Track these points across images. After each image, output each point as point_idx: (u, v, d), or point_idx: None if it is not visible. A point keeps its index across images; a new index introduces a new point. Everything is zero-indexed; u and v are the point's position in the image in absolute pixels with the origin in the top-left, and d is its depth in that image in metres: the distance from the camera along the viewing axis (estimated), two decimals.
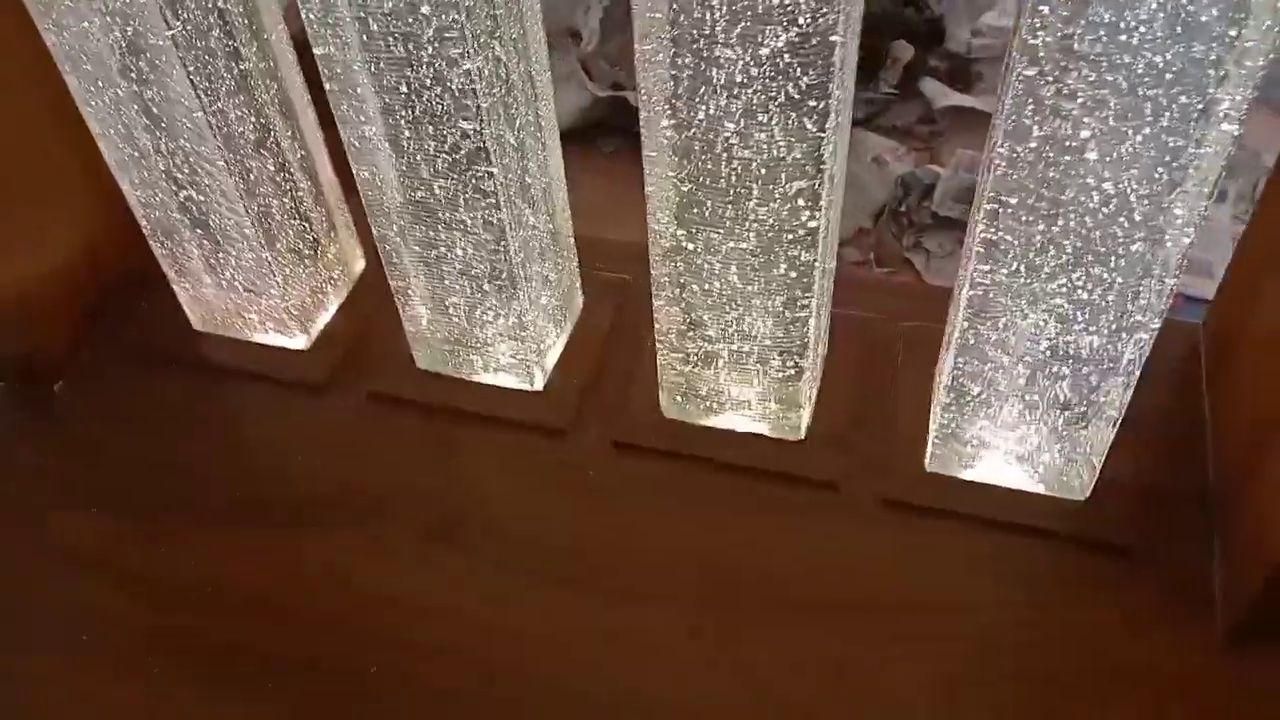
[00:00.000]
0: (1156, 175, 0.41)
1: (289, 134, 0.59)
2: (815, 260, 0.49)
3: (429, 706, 0.50)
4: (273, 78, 0.57)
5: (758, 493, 0.57)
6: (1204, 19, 0.37)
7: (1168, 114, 0.39)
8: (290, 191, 0.61)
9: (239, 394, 0.63)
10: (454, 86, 0.48)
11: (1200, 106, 0.39)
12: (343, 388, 0.63)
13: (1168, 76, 0.39)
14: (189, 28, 0.51)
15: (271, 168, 0.59)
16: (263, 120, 0.57)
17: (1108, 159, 0.41)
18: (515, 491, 0.58)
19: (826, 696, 0.50)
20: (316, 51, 0.49)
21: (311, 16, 0.48)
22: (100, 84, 0.54)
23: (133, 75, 0.53)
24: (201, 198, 0.58)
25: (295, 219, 0.62)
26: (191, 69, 0.52)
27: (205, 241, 0.61)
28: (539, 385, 0.61)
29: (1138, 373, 0.52)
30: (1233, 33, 0.37)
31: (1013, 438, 0.54)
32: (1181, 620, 0.51)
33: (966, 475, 0.56)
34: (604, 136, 1.85)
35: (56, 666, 0.52)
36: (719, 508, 0.57)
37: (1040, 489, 0.55)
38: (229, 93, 0.55)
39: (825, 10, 0.41)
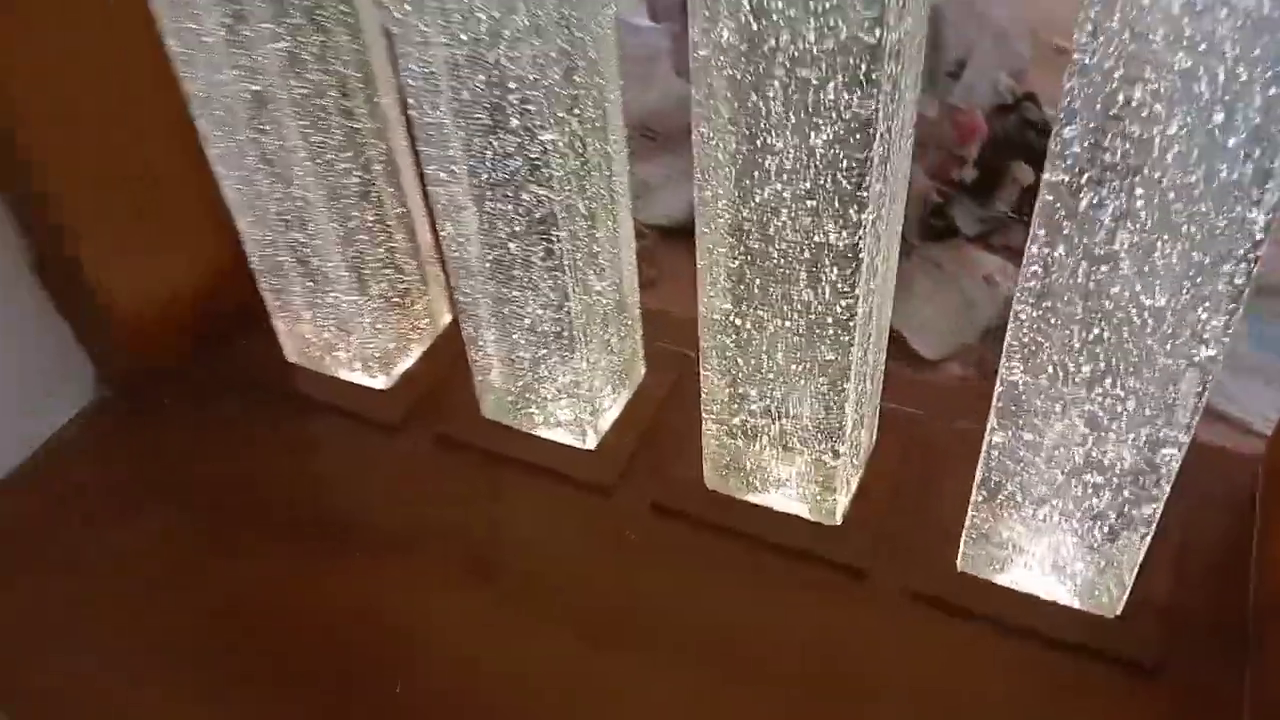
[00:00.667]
0: (1185, 288, 0.42)
1: (391, 190, 0.65)
2: (853, 344, 0.51)
3: None
4: (380, 137, 0.63)
5: (786, 571, 0.58)
6: (1231, 143, 0.38)
7: (1199, 229, 0.40)
8: (385, 243, 0.66)
9: (319, 424, 0.68)
10: (531, 155, 0.52)
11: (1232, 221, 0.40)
12: (413, 428, 0.67)
13: (1196, 193, 0.40)
14: (308, 87, 0.57)
15: (371, 219, 0.64)
16: (367, 175, 0.63)
17: (1140, 270, 0.42)
18: (554, 541, 0.61)
19: None
20: (413, 115, 0.54)
21: (411, 83, 0.53)
22: (227, 129, 0.60)
23: (256, 124, 0.59)
24: (305, 240, 0.64)
25: (389, 269, 0.67)
26: (306, 124, 0.58)
27: (306, 281, 0.66)
28: (591, 444, 0.64)
29: (1168, 488, 0.51)
30: (1258, 153, 0.38)
31: (1045, 545, 0.54)
32: None
33: (998, 579, 0.56)
34: None
35: (115, 639, 0.57)
36: (745, 580, 0.58)
37: (1071, 600, 0.55)
38: (338, 147, 0.60)
39: (867, 110, 0.43)
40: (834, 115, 0.43)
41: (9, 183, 0.61)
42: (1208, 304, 0.42)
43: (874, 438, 0.63)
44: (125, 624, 0.58)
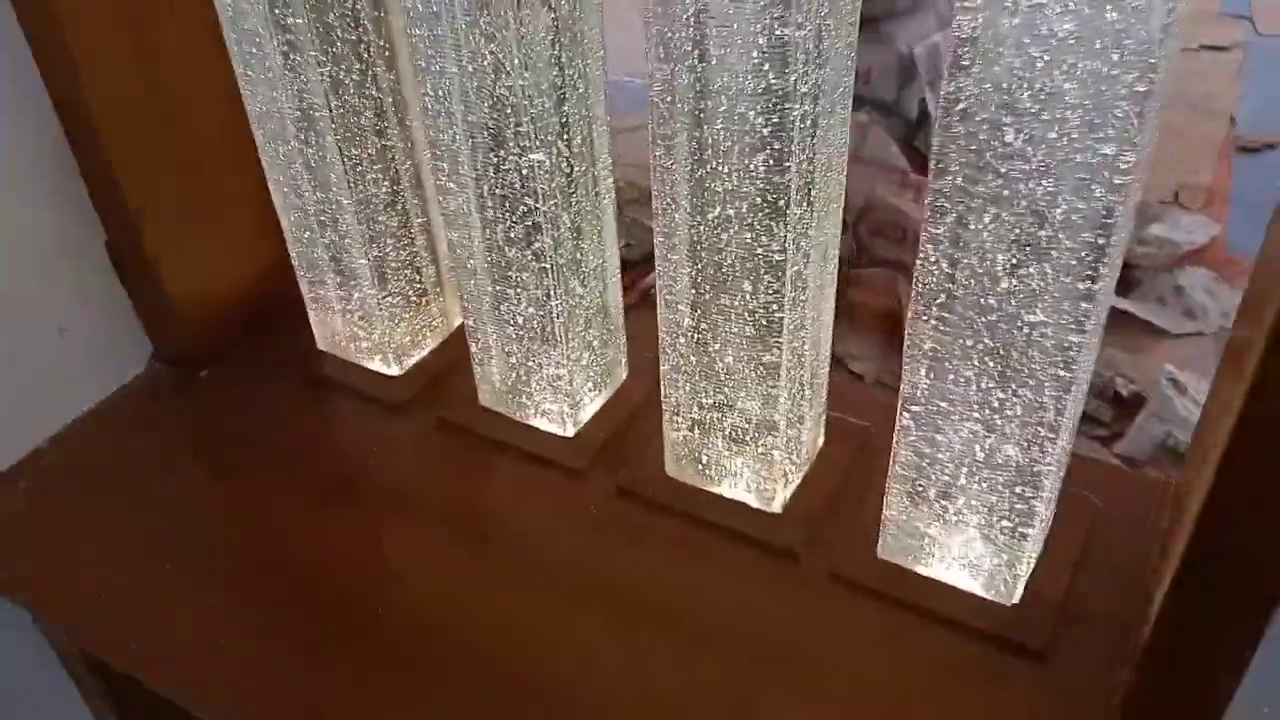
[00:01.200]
0: (1063, 307, 0.49)
1: (415, 200, 0.75)
2: (782, 347, 0.59)
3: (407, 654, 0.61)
4: (408, 155, 0.73)
5: (728, 551, 0.65)
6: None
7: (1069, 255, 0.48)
8: (408, 247, 0.76)
9: (338, 403, 0.78)
10: (523, 171, 0.62)
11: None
12: (418, 411, 0.76)
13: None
14: (347, 108, 0.68)
15: (395, 225, 0.74)
16: (395, 186, 0.73)
17: (1017, 287, 0.50)
18: (529, 513, 0.69)
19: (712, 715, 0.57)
20: (429, 133, 0.64)
21: (428, 105, 0.63)
22: (278, 140, 0.71)
23: (301, 138, 0.69)
24: (337, 240, 0.74)
25: (409, 270, 0.77)
26: (343, 139, 0.68)
27: (337, 278, 0.76)
28: (570, 432, 0.72)
29: (1050, 488, 0.58)
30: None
31: (952, 537, 0.61)
32: None
33: (913, 566, 0.63)
34: None
35: (147, 562, 0.66)
36: (692, 557, 0.65)
37: (974, 588, 0.61)
38: (370, 160, 0.70)
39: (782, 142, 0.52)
40: (761, 145, 0.52)
41: (89, 167, 0.72)
42: (1066, 316, 0.49)
43: (819, 441, 0.70)
44: (156, 551, 0.68)
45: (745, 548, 0.65)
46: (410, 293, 0.78)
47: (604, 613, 0.63)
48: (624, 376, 0.76)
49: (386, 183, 0.73)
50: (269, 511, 0.70)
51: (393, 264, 0.75)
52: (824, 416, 0.69)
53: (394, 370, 0.79)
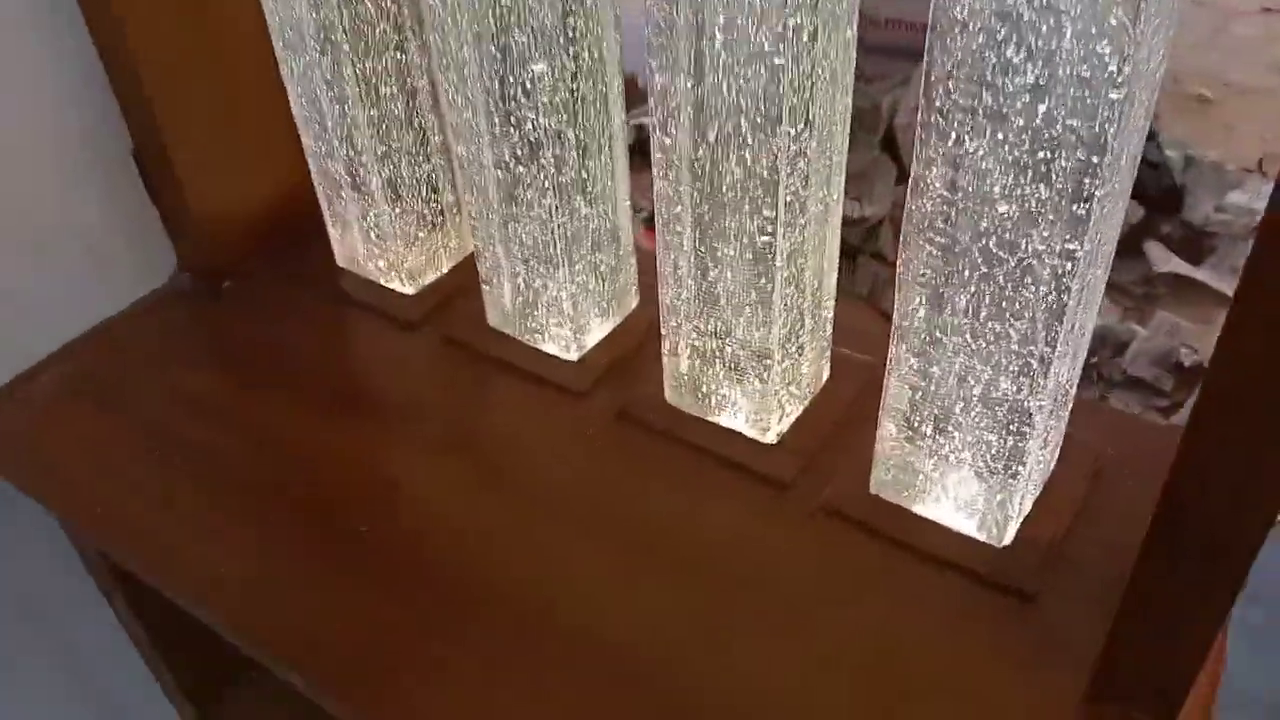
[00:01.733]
0: (1057, 231, 0.47)
1: (433, 119, 0.75)
2: (774, 277, 0.58)
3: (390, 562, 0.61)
4: (426, 72, 0.72)
5: (719, 479, 0.65)
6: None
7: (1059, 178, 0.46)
8: (423, 165, 0.76)
9: (351, 317, 0.79)
10: (525, 84, 0.61)
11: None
12: (427, 329, 0.77)
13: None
14: (364, 19, 0.68)
15: (411, 142, 0.74)
16: (413, 102, 0.73)
17: (1014, 212, 0.48)
18: (525, 430, 0.69)
19: (697, 651, 0.57)
20: (435, 44, 0.63)
21: (435, 14, 0.62)
22: (296, 53, 0.71)
23: (317, 48, 0.69)
24: (354, 157, 0.74)
25: (426, 189, 0.77)
26: (355, 50, 0.68)
27: (355, 194, 0.77)
28: (573, 356, 0.72)
29: (1053, 431, 0.56)
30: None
31: (945, 474, 0.59)
32: (1054, 667, 0.54)
33: (905, 503, 0.62)
34: None
35: (168, 485, 0.68)
36: (682, 483, 0.65)
37: (965, 528, 0.60)
38: (385, 74, 0.70)
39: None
40: (757, 56, 0.51)
41: (118, 77, 0.73)
42: (1059, 241, 0.47)
43: (824, 376, 0.69)
44: (169, 454, 0.70)
45: (738, 477, 0.65)
46: (427, 213, 0.78)
47: (592, 534, 0.63)
48: (635, 303, 0.76)
49: (403, 98, 0.72)
50: (279, 420, 0.71)
51: (408, 182, 0.76)
52: (828, 350, 0.68)
53: (408, 289, 0.79)
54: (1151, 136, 2.11)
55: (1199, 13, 2.61)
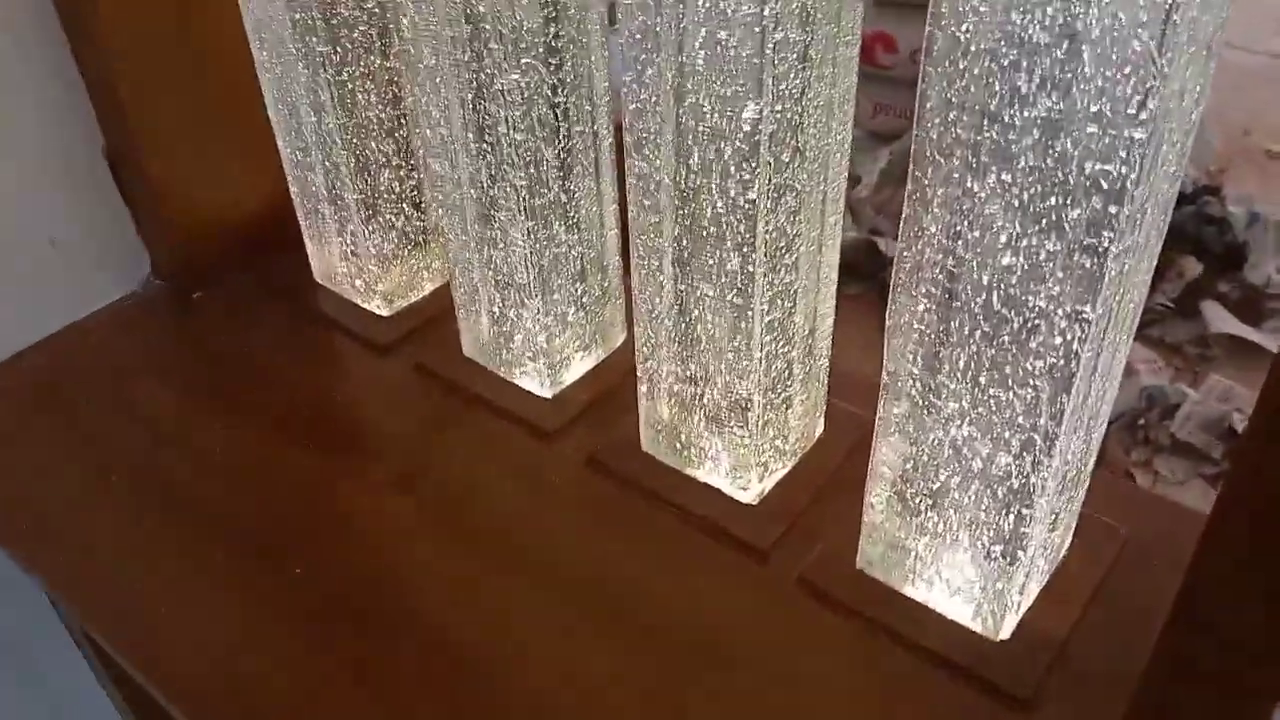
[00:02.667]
0: (1066, 289, 0.41)
1: (416, 130, 0.70)
2: (753, 317, 0.52)
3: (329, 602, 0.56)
4: (401, 82, 0.68)
5: (691, 539, 0.59)
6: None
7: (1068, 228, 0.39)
8: (405, 181, 0.71)
9: (323, 337, 0.74)
10: (498, 97, 0.56)
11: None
12: (400, 354, 0.72)
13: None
14: (341, 20, 0.63)
15: (392, 154, 0.70)
16: (394, 111, 0.68)
17: (1018, 268, 0.42)
18: (487, 474, 0.63)
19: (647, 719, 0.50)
20: (410, 55, 0.59)
21: (410, 18, 0.57)
22: (273, 54, 0.67)
23: (294, 51, 0.65)
24: (332, 169, 0.70)
25: (406, 206, 0.72)
26: (334, 54, 0.64)
27: (334, 209, 0.72)
28: (548, 393, 0.67)
29: (1063, 512, 0.50)
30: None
31: (937, 554, 0.52)
32: None
33: (892, 584, 0.55)
34: (853, 279, 1.89)
35: (100, 497, 0.64)
36: (649, 539, 0.59)
37: (958, 615, 0.53)
38: (364, 77, 0.66)
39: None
40: (738, 75, 0.45)
41: (92, 76, 0.69)
42: (1069, 299, 0.41)
43: (818, 431, 0.62)
44: (117, 464, 0.65)
45: (711, 539, 0.59)
46: (410, 231, 0.73)
47: (543, 591, 0.57)
48: (621, 339, 0.70)
49: (382, 106, 0.68)
50: (233, 444, 0.66)
51: (387, 197, 0.71)
52: (823, 403, 0.62)
53: (383, 310, 0.74)
54: (1215, 191, 2.01)
55: (1278, 67, 2.52)
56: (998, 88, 0.38)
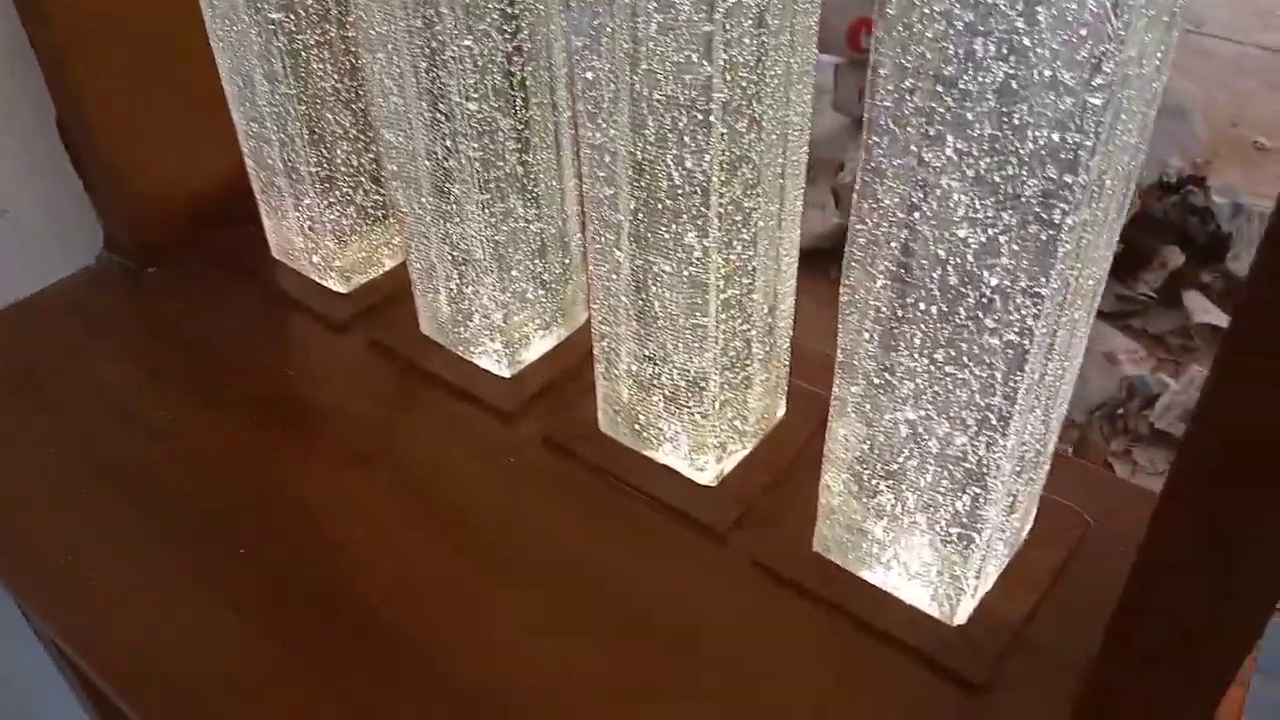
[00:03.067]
0: (1022, 264, 0.40)
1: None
2: (709, 295, 0.51)
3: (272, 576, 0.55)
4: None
5: (647, 520, 0.57)
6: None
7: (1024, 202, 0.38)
8: (362, 154, 0.69)
9: (281, 315, 0.72)
10: (451, 65, 0.54)
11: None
12: (356, 331, 0.70)
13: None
14: None
15: (349, 126, 0.68)
16: (350, 82, 0.67)
17: (974, 241, 0.40)
18: (441, 454, 0.62)
19: (601, 712, 0.49)
20: (363, 24, 0.57)
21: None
22: (226, 21, 0.65)
23: (247, 17, 0.63)
24: (288, 141, 0.68)
25: (364, 180, 0.70)
26: (288, 21, 0.62)
27: (290, 183, 0.70)
28: (506, 372, 0.65)
29: (1020, 495, 0.49)
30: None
31: (893, 537, 0.51)
32: None
33: (849, 566, 0.54)
34: (835, 263, 1.88)
35: (54, 467, 0.62)
36: (605, 519, 0.58)
37: (914, 599, 0.52)
38: (318, 43, 0.64)
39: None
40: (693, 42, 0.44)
41: (40, 41, 0.67)
42: (1024, 274, 0.40)
43: (779, 413, 0.61)
44: (68, 440, 0.64)
45: (668, 520, 0.57)
46: (367, 205, 0.72)
47: (496, 572, 0.56)
48: (584, 317, 0.69)
49: (339, 77, 0.66)
50: (185, 421, 0.65)
51: (344, 170, 0.69)
52: (784, 384, 0.60)
53: (341, 287, 0.73)
54: (1199, 181, 2.00)
55: (1266, 59, 2.51)
56: (952, 52, 0.37)
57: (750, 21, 0.44)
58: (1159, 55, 0.38)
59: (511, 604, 0.54)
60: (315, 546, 0.57)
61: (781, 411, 0.62)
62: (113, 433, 0.64)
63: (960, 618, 0.51)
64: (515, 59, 0.56)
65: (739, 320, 0.53)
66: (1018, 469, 0.47)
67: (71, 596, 0.55)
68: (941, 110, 0.38)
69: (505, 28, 0.54)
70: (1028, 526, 0.54)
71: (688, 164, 0.47)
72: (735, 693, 0.50)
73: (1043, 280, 0.39)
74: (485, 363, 0.66)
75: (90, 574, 0.56)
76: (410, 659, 0.51)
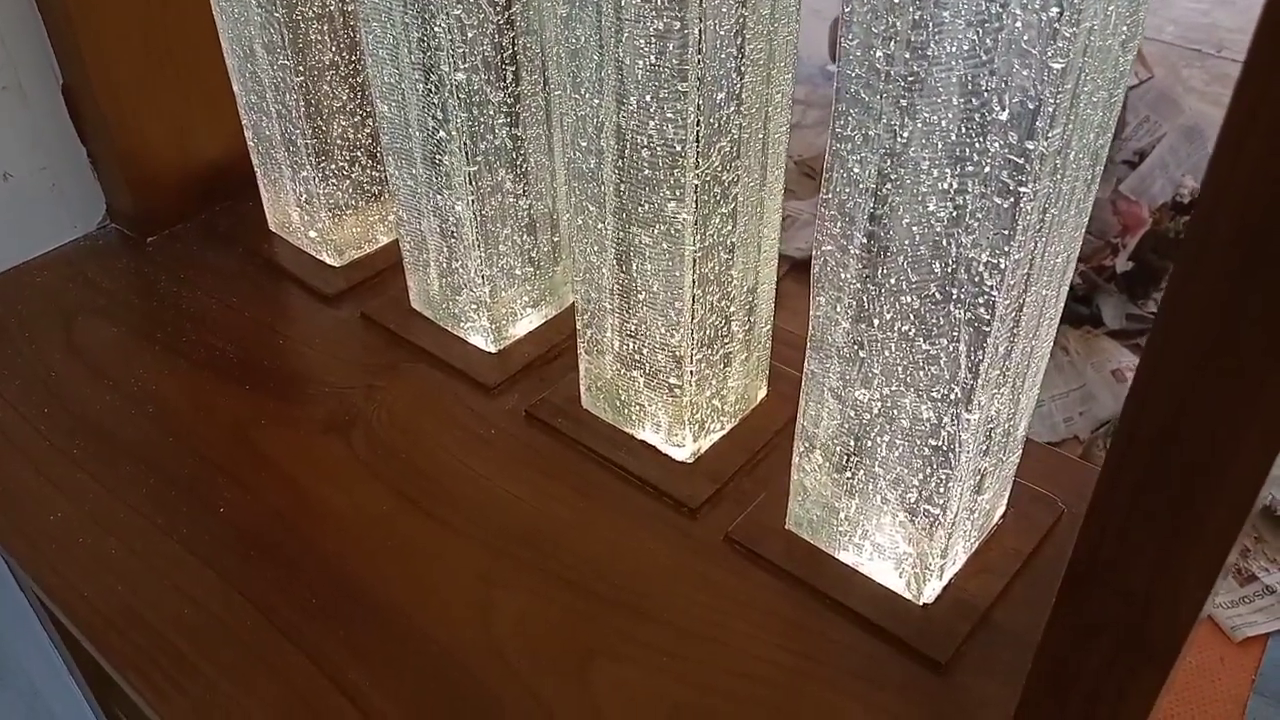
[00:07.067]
0: (988, 235, 0.40)
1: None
2: (685, 267, 0.51)
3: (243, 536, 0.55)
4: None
5: (622, 493, 0.58)
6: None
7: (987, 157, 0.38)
8: (359, 129, 0.70)
9: (274, 287, 0.73)
10: (441, 36, 0.55)
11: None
12: (347, 303, 0.71)
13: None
14: None
15: (346, 100, 0.69)
16: (349, 56, 0.67)
17: (943, 209, 0.40)
18: (420, 424, 0.62)
19: (562, 675, 0.49)
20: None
21: None
22: None
23: None
24: (285, 114, 0.69)
25: (361, 154, 0.71)
26: None
27: (288, 156, 0.71)
28: (493, 348, 0.66)
29: (988, 475, 0.49)
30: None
31: (863, 515, 0.51)
32: None
33: (820, 544, 0.54)
34: None
35: (39, 426, 0.63)
36: (580, 491, 0.58)
37: (883, 578, 0.52)
38: (317, 16, 0.65)
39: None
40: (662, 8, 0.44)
41: (46, 5, 0.68)
42: (988, 244, 0.40)
43: (761, 394, 0.61)
44: (53, 394, 0.65)
45: (642, 495, 0.58)
46: (364, 180, 0.73)
47: (465, 532, 0.56)
48: (572, 299, 0.69)
49: (338, 51, 0.67)
50: (170, 384, 0.66)
51: (340, 145, 0.70)
52: (765, 364, 0.61)
53: (335, 261, 0.73)
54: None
55: None
56: (920, 18, 0.37)
57: None
58: (1124, 30, 0.38)
59: (479, 568, 0.54)
60: (290, 508, 0.58)
61: (763, 393, 0.62)
62: (102, 394, 0.65)
63: (927, 597, 0.51)
64: (506, 31, 0.56)
65: (717, 296, 0.54)
66: (984, 447, 0.47)
67: (59, 553, 0.56)
68: (911, 78, 0.39)
69: (497, 0, 0.55)
70: (999, 510, 0.54)
71: (670, 133, 0.48)
72: (696, 661, 0.50)
73: (1005, 251, 0.39)
74: (474, 338, 0.67)
75: (76, 531, 0.57)
76: (377, 620, 0.52)
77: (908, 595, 0.51)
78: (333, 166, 0.70)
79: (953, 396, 0.44)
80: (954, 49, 0.37)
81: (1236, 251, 0.26)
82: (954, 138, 0.39)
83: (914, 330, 0.44)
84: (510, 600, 0.53)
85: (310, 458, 0.60)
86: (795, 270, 1.72)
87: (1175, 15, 2.60)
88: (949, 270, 0.42)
